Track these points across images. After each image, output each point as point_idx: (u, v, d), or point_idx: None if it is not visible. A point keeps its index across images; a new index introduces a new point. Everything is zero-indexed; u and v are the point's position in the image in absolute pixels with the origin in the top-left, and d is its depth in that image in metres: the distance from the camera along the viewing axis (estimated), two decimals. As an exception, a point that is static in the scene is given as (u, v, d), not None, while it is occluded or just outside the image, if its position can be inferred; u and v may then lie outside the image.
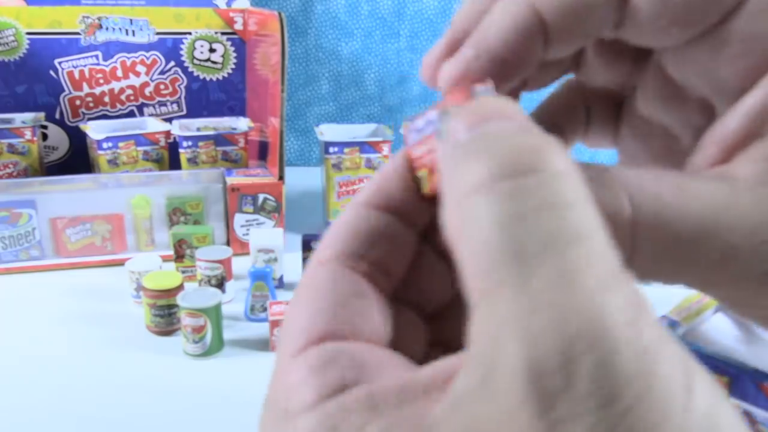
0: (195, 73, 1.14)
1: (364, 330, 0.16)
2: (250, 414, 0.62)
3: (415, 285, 0.19)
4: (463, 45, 0.19)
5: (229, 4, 1.15)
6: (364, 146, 1.04)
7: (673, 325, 0.56)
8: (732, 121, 0.17)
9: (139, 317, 0.79)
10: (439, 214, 0.15)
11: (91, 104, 1.10)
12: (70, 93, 1.08)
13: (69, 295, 0.86)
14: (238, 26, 1.13)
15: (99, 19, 1.06)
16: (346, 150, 1.04)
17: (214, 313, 0.72)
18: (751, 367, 0.50)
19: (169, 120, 1.10)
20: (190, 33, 1.11)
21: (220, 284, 0.84)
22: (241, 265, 0.90)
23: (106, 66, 1.08)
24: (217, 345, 0.73)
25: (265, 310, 0.80)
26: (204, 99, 1.16)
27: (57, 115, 1.09)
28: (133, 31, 1.08)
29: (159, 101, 1.13)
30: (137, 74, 1.11)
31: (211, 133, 1.05)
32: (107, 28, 1.06)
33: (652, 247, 0.16)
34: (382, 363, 0.15)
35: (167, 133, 1.05)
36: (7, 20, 1.01)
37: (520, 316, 0.12)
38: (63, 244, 0.94)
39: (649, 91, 0.21)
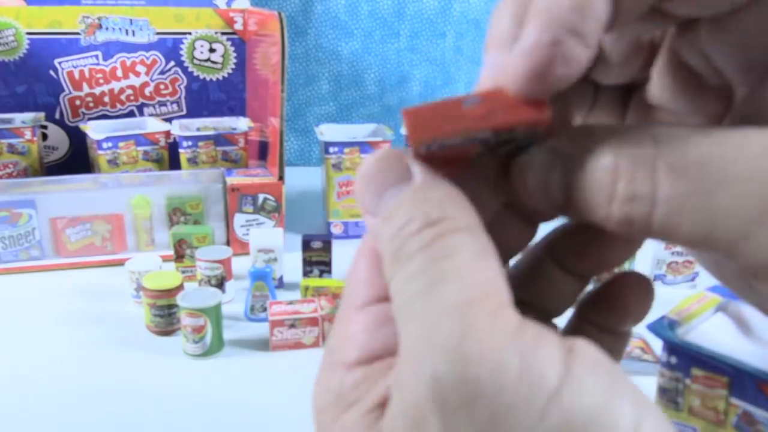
0: (195, 73, 1.14)
1: None
2: (250, 413, 0.62)
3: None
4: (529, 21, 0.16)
5: (229, 4, 1.15)
6: (364, 146, 1.04)
7: (672, 325, 0.56)
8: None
9: (139, 317, 0.79)
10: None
11: (91, 104, 1.10)
12: (70, 93, 1.08)
13: (69, 295, 0.86)
14: (238, 26, 1.13)
15: (99, 19, 1.06)
16: (346, 150, 1.04)
17: (214, 313, 0.72)
18: (751, 367, 0.50)
19: (169, 120, 1.10)
20: (190, 33, 1.11)
21: (220, 284, 0.84)
22: (241, 265, 0.90)
23: (106, 66, 1.08)
24: (217, 345, 0.73)
25: (265, 310, 0.80)
26: (204, 99, 1.16)
27: (57, 115, 1.09)
28: (133, 31, 1.08)
29: (159, 101, 1.13)
30: (137, 74, 1.11)
31: (211, 133, 1.05)
32: (107, 28, 1.06)
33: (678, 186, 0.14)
34: None
35: (167, 133, 1.05)
36: (7, 20, 1.01)
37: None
38: (63, 244, 0.94)
39: (664, 80, 0.20)
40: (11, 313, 0.81)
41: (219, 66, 1.14)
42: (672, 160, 0.14)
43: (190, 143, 1.03)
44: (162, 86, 1.13)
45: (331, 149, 1.04)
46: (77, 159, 1.10)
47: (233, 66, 1.15)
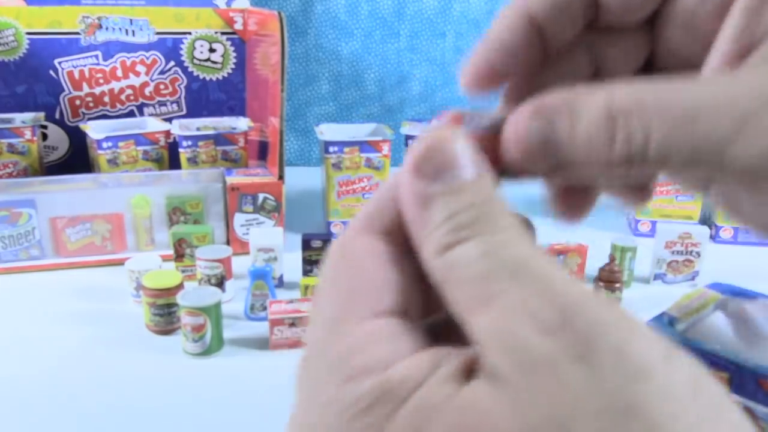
0: (195, 73, 1.14)
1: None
2: (250, 413, 0.62)
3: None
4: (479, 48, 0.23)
5: (229, 4, 1.15)
6: (363, 146, 1.04)
7: (672, 321, 0.56)
8: (722, 42, 0.20)
9: (138, 316, 0.79)
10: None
11: (91, 104, 1.10)
12: (70, 93, 1.08)
13: (69, 294, 0.86)
14: (238, 26, 1.13)
15: (99, 19, 1.06)
16: (345, 149, 1.04)
17: (214, 312, 0.72)
18: (752, 363, 0.50)
19: (169, 120, 1.10)
20: (190, 33, 1.11)
21: (220, 283, 0.84)
22: (240, 264, 0.90)
23: (106, 66, 1.09)
24: (217, 344, 0.73)
25: (264, 309, 0.80)
26: (204, 99, 1.16)
27: (57, 115, 1.09)
28: (133, 31, 1.08)
29: (159, 101, 1.13)
30: (137, 74, 1.11)
31: (211, 132, 1.05)
32: (107, 28, 1.07)
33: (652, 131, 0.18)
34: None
35: (167, 133, 1.05)
36: (7, 20, 1.01)
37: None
38: (63, 244, 0.94)
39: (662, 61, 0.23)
40: (11, 313, 0.81)
41: (219, 66, 1.15)
42: (658, 103, 0.17)
43: (190, 143, 1.03)
44: (162, 86, 1.13)
45: (331, 149, 1.04)
46: (77, 159, 1.10)
47: (233, 66, 1.15)
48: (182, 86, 1.14)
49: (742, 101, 0.17)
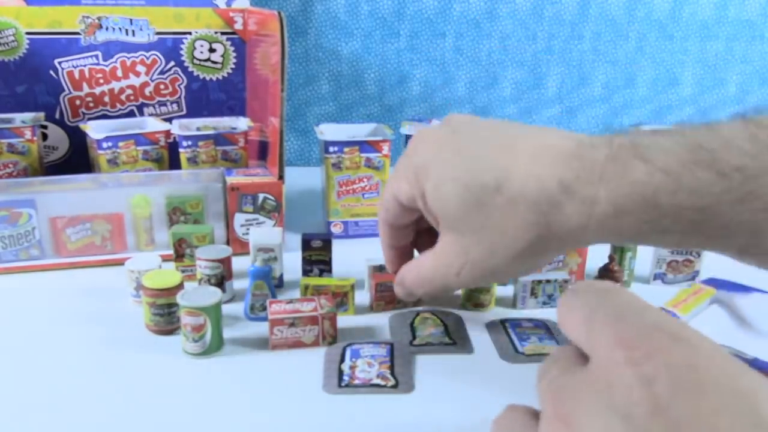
0: (195, 73, 1.14)
1: None
2: (250, 413, 0.62)
3: None
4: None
5: (229, 4, 1.15)
6: (363, 146, 1.04)
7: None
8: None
9: (138, 316, 0.79)
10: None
11: (91, 104, 1.10)
12: (70, 93, 1.08)
13: (69, 294, 0.86)
14: (238, 26, 1.13)
15: (99, 19, 1.06)
16: (345, 149, 1.04)
17: (214, 312, 0.72)
18: (748, 357, 0.50)
19: (169, 120, 1.10)
20: (190, 33, 1.11)
21: (220, 283, 0.84)
22: (240, 264, 0.90)
23: (106, 66, 1.09)
24: (217, 344, 0.73)
25: (264, 309, 0.80)
26: (204, 99, 1.16)
27: (57, 115, 1.09)
28: (133, 31, 1.08)
29: (159, 101, 1.14)
30: (137, 74, 1.11)
31: (211, 132, 1.05)
32: (107, 28, 1.07)
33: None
34: None
35: (167, 133, 1.05)
36: (7, 20, 1.01)
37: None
38: (63, 244, 0.94)
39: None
40: (11, 313, 0.81)
41: (219, 66, 1.15)
42: (407, 276, 0.55)
43: (190, 143, 1.03)
44: (162, 86, 1.13)
45: (331, 149, 1.04)
46: (77, 159, 1.10)
47: (233, 66, 1.15)
48: (182, 86, 1.14)
49: (445, 262, 0.48)
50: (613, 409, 0.21)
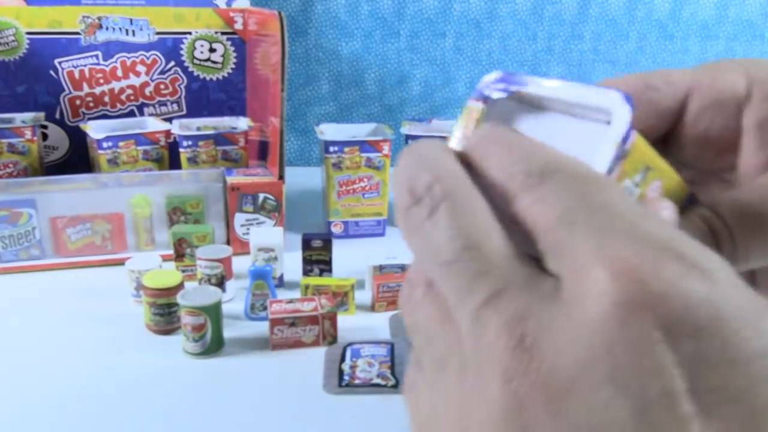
0: (195, 73, 1.14)
1: None
2: (250, 413, 0.62)
3: None
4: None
5: (229, 4, 1.15)
6: (364, 145, 1.04)
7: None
8: (747, 154, 0.26)
9: (138, 316, 0.79)
10: None
11: (91, 104, 1.10)
12: (70, 93, 1.08)
13: (69, 294, 0.86)
14: (238, 26, 1.13)
15: (99, 19, 1.06)
16: (346, 149, 1.04)
17: (214, 312, 0.72)
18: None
19: (169, 120, 1.10)
20: (190, 33, 1.11)
21: (220, 283, 0.84)
22: (241, 264, 0.89)
23: (106, 66, 1.09)
24: (217, 344, 0.73)
25: (265, 309, 0.80)
26: (204, 99, 1.16)
27: (57, 115, 1.09)
28: (133, 31, 1.08)
29: (159, 101, 1.13)
30: (137, 74, 1.11)
31: (211, 132, 1.05)
32: (107, 28, 1.07)
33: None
34: None
35: (167, 133, 1.05)
36: (7, 20, 1.01)
37: None
38: (63, 244, 0.94)
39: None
40: (11, 313, 0.81)
41: (219, 66, 1.15)
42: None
43: (190, 143, 1.03)
44: (162, 86, 1.13)
45: (331, 149, 1.04)
46: (77, 159, 1.10)
47: (233, 66, 1.15)
48: (182, 86, 1.14)
49: None
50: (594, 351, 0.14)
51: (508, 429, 0.15)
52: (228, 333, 0.76)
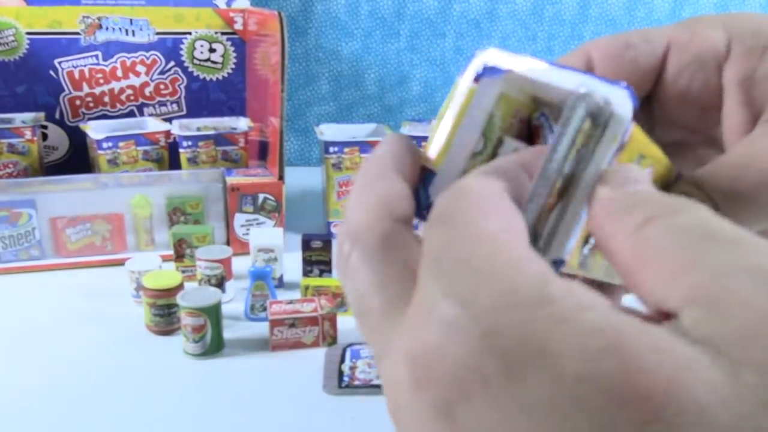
0: (195, 73, 1.14)
1: None
2: (250, 413, 0.62)
3: None
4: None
5: (229, 4, 1.15)
6: (364, 146, 1.04)
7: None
8: (730, 113, 0.25)
9: (138, 317, 0.79)
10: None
11: (91, 104, 1.10)
12: (70, 93, 1.08)
13: (69, 295, 0.86)
14: (238, 26, 1.13)
15: (99, 19, 1.06)
16: (346, 150, 1.04)
17: (214, 313, 0.72)
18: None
19: (169, 120, 1.10)
20: (190, 33, 1.11)
21: (220, 284, 0.84)
22: (241, 264, 0.89)
23: (106, 66, 1.08)
24: (217, 344, 0.73)
25: (265, 309, 0.80)
26: (204, 99, 1.16)
27: (57, 115, 1.09)
28: (133, 31, 1.08)
29: (159, 101, 1.13)
30: (137, 74, 1.11)
31: (211, 132, 1.05)
32: (107, 28, 1.07)
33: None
34: None
35: (167, 133, 1.05)
36: (7, 20, 1.01)
37: None
38: (63, 244, 0.94)
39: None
40: (11, 313, 0.81)
41: (219, 66, 1.15)
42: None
43: (190, 143, 1.03)
44: (162, 86, 1.13)
45: (331, 149, 1.04)
46: (77, 159, 1.10)
47: (233, 66, 1.15)
48: (182, 86, 1.14)
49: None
50: None
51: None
52: (228, 334, 0.76)
